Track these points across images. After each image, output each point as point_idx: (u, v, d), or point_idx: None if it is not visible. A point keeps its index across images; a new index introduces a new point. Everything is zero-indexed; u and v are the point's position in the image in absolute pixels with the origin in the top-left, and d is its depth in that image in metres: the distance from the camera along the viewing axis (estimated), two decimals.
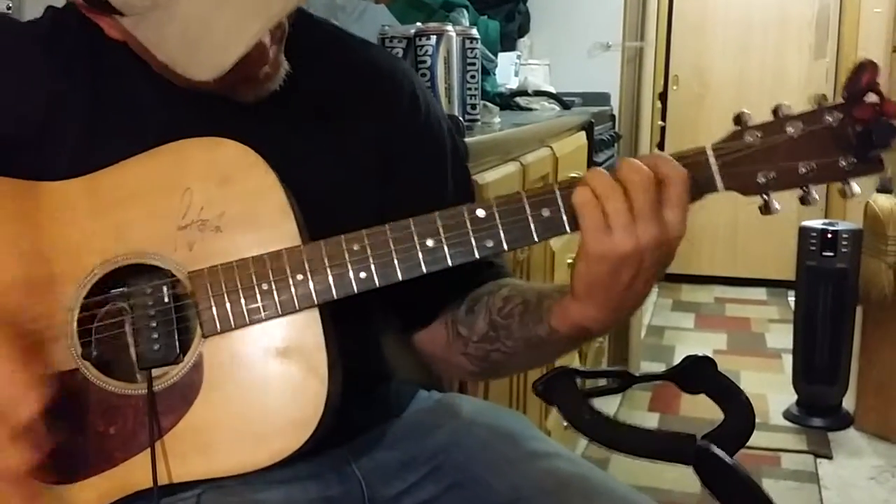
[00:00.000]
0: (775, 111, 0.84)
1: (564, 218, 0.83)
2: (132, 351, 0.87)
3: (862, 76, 0.81)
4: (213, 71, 0.79)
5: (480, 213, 0.84)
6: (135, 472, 0.85)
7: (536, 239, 0.84)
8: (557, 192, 0.84)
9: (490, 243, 0.84)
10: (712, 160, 0.83)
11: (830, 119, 0.82)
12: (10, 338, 0.80)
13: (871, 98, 0.81)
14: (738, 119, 0.85)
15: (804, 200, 0.85)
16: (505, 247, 0.85)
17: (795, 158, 0.83)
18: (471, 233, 0.84)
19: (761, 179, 0.83)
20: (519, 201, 0.84)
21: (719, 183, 0.84)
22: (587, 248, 0.82)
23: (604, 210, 0.80)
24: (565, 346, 0.96)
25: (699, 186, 0.84)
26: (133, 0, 0.80)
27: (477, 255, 0.85)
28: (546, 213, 0.84)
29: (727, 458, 0.95)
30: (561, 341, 0.93)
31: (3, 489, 0.77)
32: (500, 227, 0.84)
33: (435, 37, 1.81)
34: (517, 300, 0.96)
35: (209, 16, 0.78)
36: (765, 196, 0.85)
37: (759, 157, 0.83)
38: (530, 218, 0.84)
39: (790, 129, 0.83)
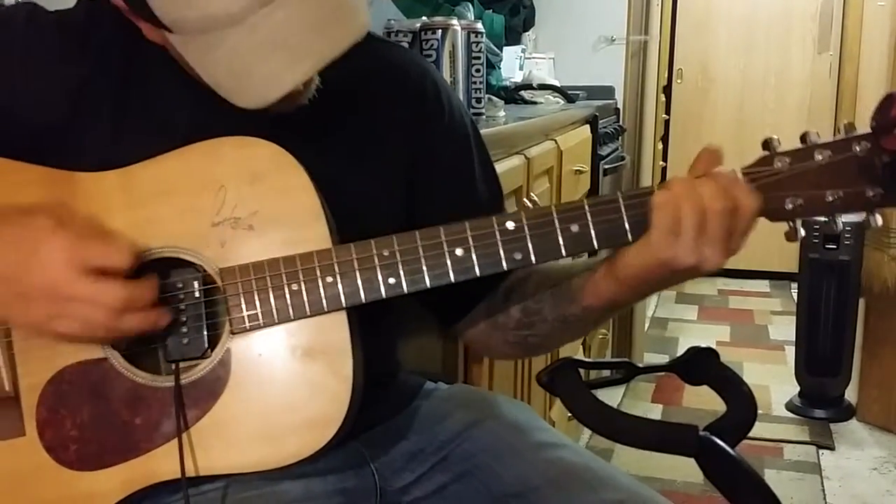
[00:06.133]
0: (803, 138, 0.84)
1: (593, 234, 0.84)
2: (161, 343, 0.88)
3: (891, 108, 0.80)
4: (257, 102, 0.79)
5: (510, 224, 0.85)
6: (159, 463, 0.87)
7: (564, 253, 0.85)
8: (587, 208, 0.84)
9: (518, 255, 0.85)
10: None
11: (858, 148, 0.82)
12: None
13: None
14: (767, 144, 0.84)
15: (829, 227, 0.85)
16: (533, 259, 0.85)
17: (823, 186, 0.83)
18: (500, 244, 0.85)
19: (789, 206, 0.83)
20: (548, 215, 0.84)
21: None
22: (659, 252, 0.83)
23: (690, 225, 0.82)
24: (598, 320, 0.99)
25: None
26: (183, 22, 0.80)
27: (505, 267, 0.86)
28: (575, 228, 0.84)
29: (728, 450, 0.96)
30: (593, 317, 0.97)
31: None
32: (528, 239, 0.85)
33: (440, 31, 1.82)
34: (548, 283, 0.99)
35: (260, 52, 0.78)
36: (791, 223, 0.85)
37: (788, 184, 0.83)
38: (559, 232, 0.84)
39: (818, 157, 0.82)
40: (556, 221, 0.84)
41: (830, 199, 0.83)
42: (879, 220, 0.84)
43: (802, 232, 0.85)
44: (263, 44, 0.78)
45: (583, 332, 1.07)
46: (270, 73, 0.78)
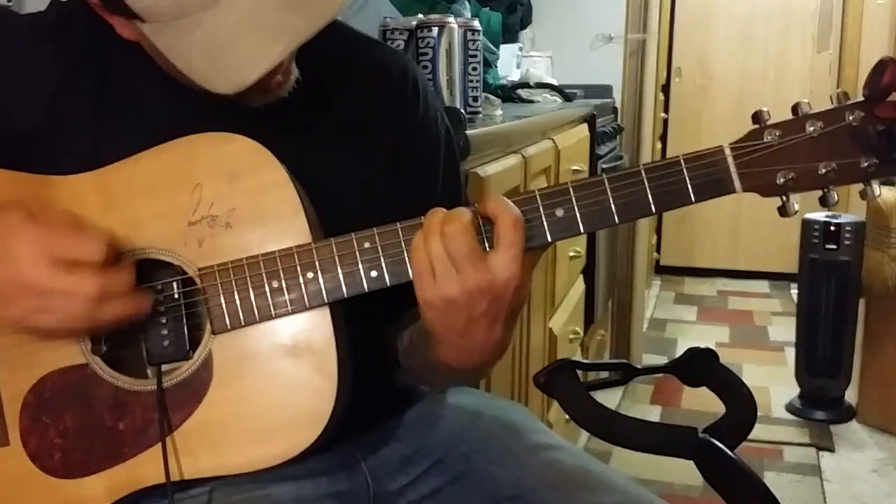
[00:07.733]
0: (794, 109, 0.81)
1: (579, 218, 0.83)
2: (142, 346, 0.86)
3: (883, 74, 0.78)
4: (233, 86, 0.78)
5: None
6: (144, 468, 0.85)
7: (550, 239, 0.83)
8: (571, 192, 0.83)
9: None
10: (730, 160, 0.81)
11: (851, 118, 0.80)
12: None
13: (894, 97, 0.78)
14: (757, 117, 0.82)
15: (824, 201, 0.82)
16: None
17: (815, 159, 0.80)
18: (483, 234, 0.83)
19: (780, 180, 0.81)
20: (533, 202, 0.83)
21: (737, 183, 0.81)
22: (416, 293, 0.82)
23: (429, 255, 0.80)
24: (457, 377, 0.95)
25: (716, 187, 0.81)
26: (156, 8, 0.79)
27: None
28: (559, 212, 0.83)
29: (728, 452, 0.95)
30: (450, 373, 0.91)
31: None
32: None
33: (437, 29, 1.80)
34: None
35: (235, 33, 0.77)
36: (784, 197, 0.82)
37: (779, 157, 0.80)
38: (544, 218, 0.83)
39: (810, 128, 0.80)
40: (541, 207, 0.83)
41: (823, 171, 0.80)
42: (878, 189, 0.81)
43: (796, 207, 0.82)
44: (238, 25, 0.77)
45: (452, 382, 1.06)
46: (246, 54, 0.77)
